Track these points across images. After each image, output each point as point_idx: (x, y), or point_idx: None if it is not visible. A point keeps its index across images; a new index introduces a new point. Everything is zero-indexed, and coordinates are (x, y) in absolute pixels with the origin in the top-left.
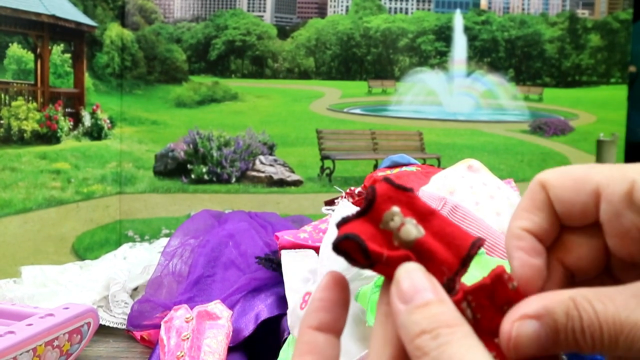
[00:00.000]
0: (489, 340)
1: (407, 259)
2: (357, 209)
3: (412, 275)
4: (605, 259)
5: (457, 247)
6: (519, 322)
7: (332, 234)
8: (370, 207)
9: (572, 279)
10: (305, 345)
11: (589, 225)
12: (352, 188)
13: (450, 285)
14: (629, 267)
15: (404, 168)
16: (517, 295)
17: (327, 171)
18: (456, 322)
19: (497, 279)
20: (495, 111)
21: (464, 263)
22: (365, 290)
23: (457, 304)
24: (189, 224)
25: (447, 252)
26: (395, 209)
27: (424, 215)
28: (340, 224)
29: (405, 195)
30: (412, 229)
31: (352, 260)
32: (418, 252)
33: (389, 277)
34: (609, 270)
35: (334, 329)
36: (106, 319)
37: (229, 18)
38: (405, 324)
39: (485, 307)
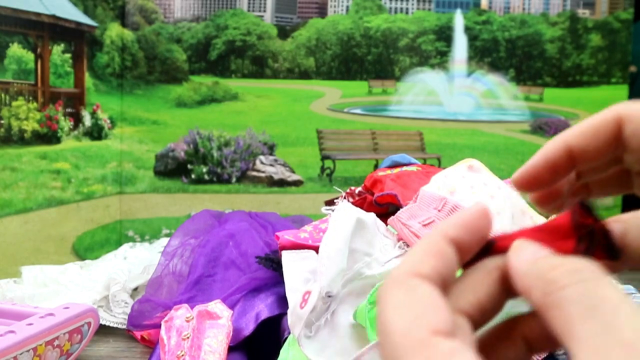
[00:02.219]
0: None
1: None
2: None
3: (526, 244)
4: None
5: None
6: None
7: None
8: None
9: None
10: (432, 247)
11: None
12: (352, 188)
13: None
14: None
15: (405, 168)
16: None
17: (328, 171)
18: (595, 266)
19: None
20: (496, 111)
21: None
22: (362, 308)
23: None
24: (190, 224)
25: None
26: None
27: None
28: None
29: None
30: None
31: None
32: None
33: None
34: None
35: (465, 247)
36: (106, 319)
37: (229, 18)
38: (530, 268)
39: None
